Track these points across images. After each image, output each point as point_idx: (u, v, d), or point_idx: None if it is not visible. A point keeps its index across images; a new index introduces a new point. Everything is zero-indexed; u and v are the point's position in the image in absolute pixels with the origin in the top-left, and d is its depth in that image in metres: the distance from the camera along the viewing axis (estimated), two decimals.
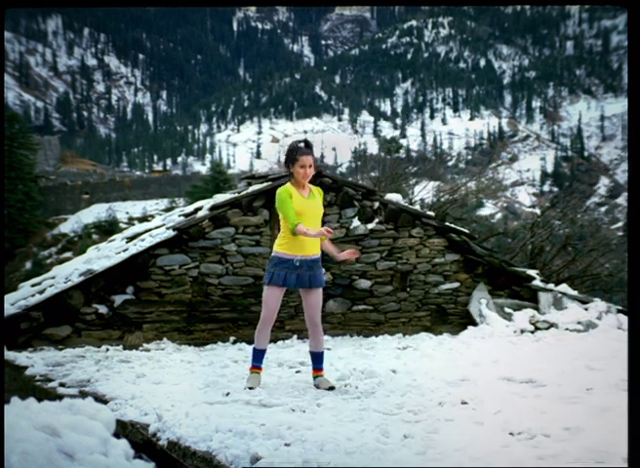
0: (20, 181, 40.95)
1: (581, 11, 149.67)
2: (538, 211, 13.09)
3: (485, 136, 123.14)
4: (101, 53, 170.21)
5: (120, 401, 3.97)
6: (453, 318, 7.72)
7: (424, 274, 7.72)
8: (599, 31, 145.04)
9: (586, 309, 7.56)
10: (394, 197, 7.88)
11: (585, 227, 12.22)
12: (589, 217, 13.37)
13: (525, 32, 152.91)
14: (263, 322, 4.33)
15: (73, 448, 2.42)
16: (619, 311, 7.58)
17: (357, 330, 7.49)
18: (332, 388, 4.25)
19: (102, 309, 6.79)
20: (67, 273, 7.07)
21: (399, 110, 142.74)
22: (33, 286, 7.15)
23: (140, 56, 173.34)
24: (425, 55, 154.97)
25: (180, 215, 7.76)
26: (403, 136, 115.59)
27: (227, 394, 4.09)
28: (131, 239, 7.64)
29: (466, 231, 8.14)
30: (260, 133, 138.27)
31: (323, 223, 4.72)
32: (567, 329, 7.22)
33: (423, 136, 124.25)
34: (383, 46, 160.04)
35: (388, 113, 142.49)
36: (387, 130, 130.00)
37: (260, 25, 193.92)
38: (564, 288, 7.95)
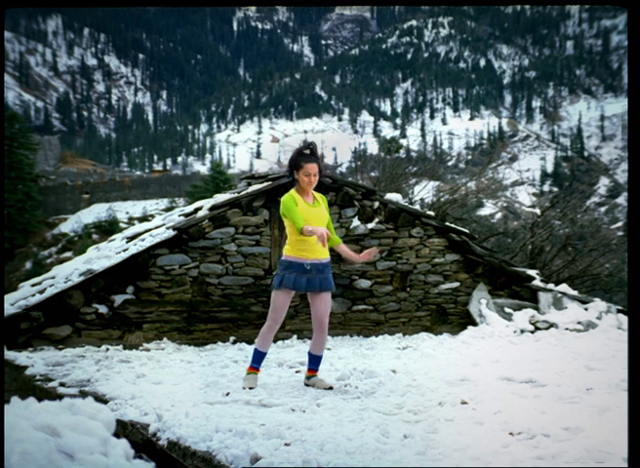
0: (19, 181, 40.96)
1: (581, 11, 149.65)
2: (538, 211, 13.08)
3: (485, 136, 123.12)
4: (101, 53, 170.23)
5: (120, 401, 3.97)
6: (453, 318, 7.72)
7: (424, 274, 7.72)
8: (599, 31, 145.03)
9: (586, 309, 7.56)
10: (394, 197, 7.88)
11: (585, 227, 12.22)
12: (589, 217, 13.37)
13: (525, 32, 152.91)
14: (271, 325, 4.37)
15: (73, 448, 2.42)
16: (618, 311, 7.58)
17: (357, 330, 7.50)
18: (330, 388, 4.25)
19: (103, 309, 6.79)
20: (67, 273, 7.07)
21: (399, 110, 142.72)
22: (33, 285, 7.15)
23: (140, 56, 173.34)
24: (425, 55, 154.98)
25: (180, 215, 7.75)
26: (403, 135, 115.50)
27: (227, 394, 4.09)
28: (131, 239, 7.63)
29: (466, 231, 8.14)
30: (260, 132, 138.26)
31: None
32: (567, 329, 7.22)
33: (423, 136, 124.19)
34: (383, 46, 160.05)
35: (388, 113, 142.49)
36: (387, 130, 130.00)
37: (260, 25, 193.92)
38: (564, 288, 7.95)
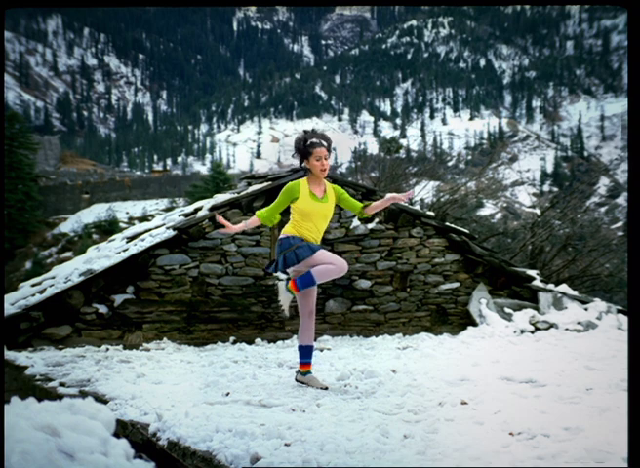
0: (19, 181, 40.97)
1: (581, 11, 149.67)
2: (538, 211, 13.09)
3: (485, 136, 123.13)
4: (101, 53, 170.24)
5: (120, 401, 3.97)
6: (453, 318, 7.72)
7: (424, 274, 7.72)
8: (599, 31, 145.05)
9: (586, 309, 7.57)
10: None
11: (585, 227, 12.22)
12: (589, 217, 13.37)
13: (525, 32, 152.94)
14: (308, 316, 4.27)
15: (73, 448, 2.42)
16: (618, 311, 7.58)
17: (357, 330, 7.50)
18: (325, 388, 4.22)
19: (103, 309, 6.80)
20: (67, 273, 7.08)
21: (399, 110, 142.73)
22: (33, 285, 7.15)
23: (140, 56, 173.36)
24: (425, 55, 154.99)
25: (180, 215, 7.76)
26: (403, 135, 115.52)
27: (227, 394, 4.09)
28: (131, 239, 7.64)
29: (466, 231, 8.14)
30: (260, 132, 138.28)
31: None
32: (567, 329, 7.23)
33: (423, 136, 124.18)
34: (383, 46, 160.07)
35: (388, 113, 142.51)
36: (387, 130, 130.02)
37: (260, 25, 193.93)
38: (564, 288, 7.95)
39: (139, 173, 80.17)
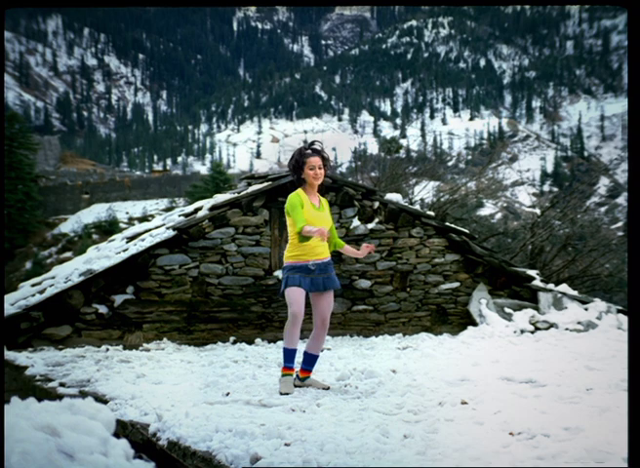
0: (19, 181, 40.96)
1: (581, 11, 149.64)
2: (538, 211, 13.08)
3: (485, 136, 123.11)
4: (101, 53, 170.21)
5: (120, 401, 3.97)
6: (453, 318, 7.72)
7: (424, 274, 7.72)
8: (599, 31, 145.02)
9: (586, 309, 7.56)
10: (394, 197, 7.88)
11: (585, 227, 12.22)
12: (589, 217, 13.37)
13: (525, 32, 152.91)
14: (292, 319, 4.20)
15: (73, 448, 2.42)
16: (618, 311, 7.58)
17: (357, 330, 7.50)
18: (327, 388, 4.23)
19: (102, 309, 6.80)
20: (67, 273, 7.08)
21: (399, 110, 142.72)
22: (33, 286, 7.15)
23: (140, 56, 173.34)
24: (425, 55, 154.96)
25: (180, 215, 7.76)
26: (403, 136, 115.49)
27: (227, 394, 4.09)
28: (131, 239, 7.64)
29: (466, 231, 8.14)
30: (260, 133, 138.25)
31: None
32: (567, 329, 7.23)
33: (423, 136, 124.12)
34: (383, 46, 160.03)
35: (388, 113, 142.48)
36: (387, 130, 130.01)
37: (260, 25, 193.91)
38: (564, 288, 7.95)
39: (139, 173, 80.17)
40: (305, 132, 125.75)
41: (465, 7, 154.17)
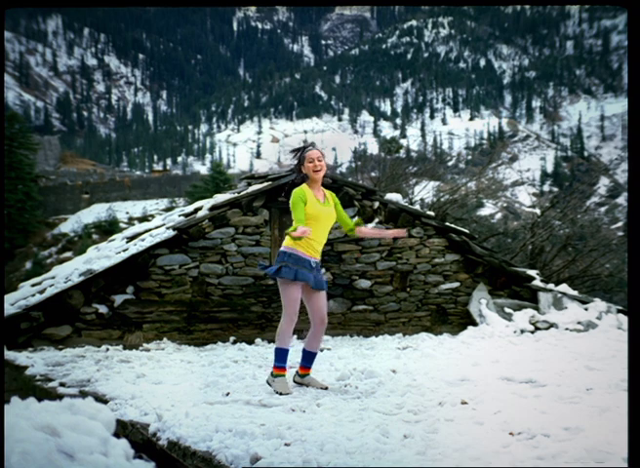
0: (19, 181, 40.96)
1: (581, 11, 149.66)
2: (538, 211, 13.08)
3: (485, 136, 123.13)
4: (101, 53, 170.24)
5: (120, 401, 3.97)
6: (453, 318, 7.72)
7: (424, 274, 7.72)
8: (599, 31, 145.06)
9: (586, 309, 7.57)
10: (394, 197, 7.89)
11: (586, 227, 12.22)
12: (589, 217, 13.37)
13: (525, 32, 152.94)
14: (288, 320, 4.20)
15: (73, 448, 2.42)
16: (619, 311, 7.58)
17: (357, 330, 7.50)
18: (325, 388, 4.24)
19: (103, 309, 6.80)
20: (67, 273, 7.08)
21: (399, 110, 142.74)
22: (33, 286, 7.15)
23: (140, 56, 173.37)
24: (425, 55, 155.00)
25: (180, 215, 7.76)
26: (403, 136, 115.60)
27: (227, 394, 4.09)
28: (131, 239, 7.64)
29: (466, 231, 8.14)
30: (260, 132, 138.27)
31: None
32: (567, 329, 7.23)
33: (423, 136, 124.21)
34: (383, 46, 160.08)
35: (388, 113, 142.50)
36: (387, 130, 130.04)
37: (260, 25, 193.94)
38: (564, 288, 7.95)
39: (139, 173, 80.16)
40: (305, 132, 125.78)
41: (465, 7, 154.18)
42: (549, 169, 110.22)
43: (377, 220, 7.67)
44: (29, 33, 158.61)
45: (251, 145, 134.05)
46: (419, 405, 3.70)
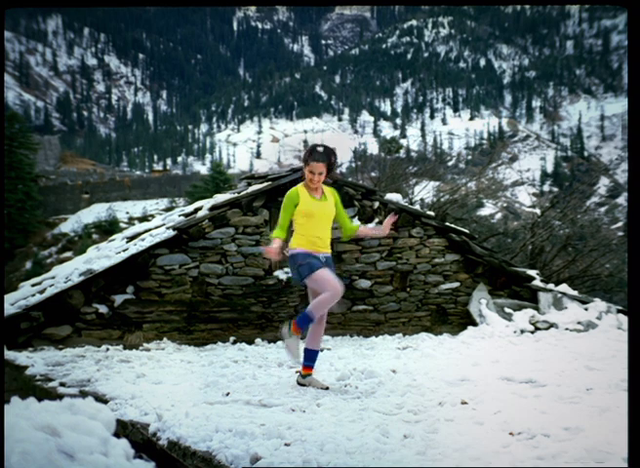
0: (19, 181, 40.97)
1: (581, 11, 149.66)
2: (538, 211, 13.09)
3: (485, 136, 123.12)
4: (101, 52, 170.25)
5: (120, 401, 3.97)
6: (453, 318, 7.72)
7: (424, 274, 7.72)
8: (599, 31, 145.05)
9: (586, 309, 7.57)
10: (394, 197, 7.89)
11: (586, 227, 12.23)
12: (589, 217, 13.38)
13: (525, 32, 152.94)
14: (337, 295, 4.16)
15: (73, 448, 2.42)
16: (619, 311, 7.58)
17: (357, 330, 7.50)
18: (326, 388, 4.22)
19: (103, 309, 6.80)
20: (67, 273, 7.08)
21: (399, 110, 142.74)
22: (33, 285, 7.15)
23: (140, 55, 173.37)
24: (425, 54, 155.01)
25: (180, 215, 7.76)
26: (403, 135, 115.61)
27: (227, 394, 4.09)
28: (131, 239, 7.64)
29: (466, 231, 8.14)
30: (260, 132, 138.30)
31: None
32: (567, 329, 7.23)
33: (423, 136, 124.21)
34: (383, 46, 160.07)
35: (388, 113, 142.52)
36: (387, 130, 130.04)
37: (260, 25, 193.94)
38: (564, 288, 7.95)
39: (139, 173, 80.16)
40: (305, 132, 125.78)
41: (465, 7, 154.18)
42: (549, 169, 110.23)
43: (377, 220, 7.67)
44: (29, 33, 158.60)
45: (251, 145, 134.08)
46: (418, 405, 3.70)
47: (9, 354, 5.83)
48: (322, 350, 6.19)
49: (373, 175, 15.38)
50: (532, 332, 7.13)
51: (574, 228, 11.74)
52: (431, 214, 8.19)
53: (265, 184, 7.38)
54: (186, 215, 7.57)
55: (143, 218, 36.96)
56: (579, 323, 7.27)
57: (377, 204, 7.72)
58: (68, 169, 60.03)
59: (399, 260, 7.67)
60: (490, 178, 15.07)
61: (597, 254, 11.26)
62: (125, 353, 5.96)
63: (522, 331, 7.14)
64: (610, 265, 11.76)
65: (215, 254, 7.20)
